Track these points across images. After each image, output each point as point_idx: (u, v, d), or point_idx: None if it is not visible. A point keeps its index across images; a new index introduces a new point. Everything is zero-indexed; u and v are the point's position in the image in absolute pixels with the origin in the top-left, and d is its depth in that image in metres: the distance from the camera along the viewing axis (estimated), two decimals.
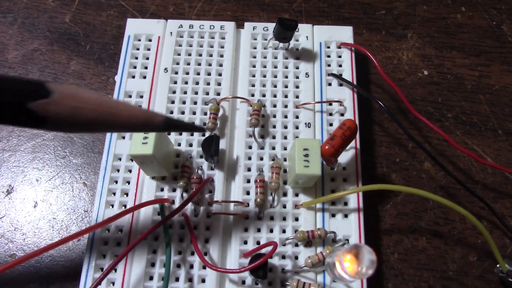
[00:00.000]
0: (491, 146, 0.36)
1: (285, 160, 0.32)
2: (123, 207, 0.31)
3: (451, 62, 0.40)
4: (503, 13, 0.42)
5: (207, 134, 0.32)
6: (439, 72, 0.39)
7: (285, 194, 0.31)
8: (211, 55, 0.36)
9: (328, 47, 0.36)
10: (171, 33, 0.36)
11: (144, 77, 0.35)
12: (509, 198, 0.35)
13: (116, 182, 0.32)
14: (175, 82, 0.35)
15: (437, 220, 0.34)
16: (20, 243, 0.33)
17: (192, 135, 0.33)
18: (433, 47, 0.40)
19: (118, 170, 0.32)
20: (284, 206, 0.31)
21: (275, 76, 0.35)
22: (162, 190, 0.31)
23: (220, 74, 0.35)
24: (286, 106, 0.34)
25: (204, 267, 0.29)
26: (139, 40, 0.36)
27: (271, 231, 0.30)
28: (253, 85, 0.35)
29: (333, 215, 0.31)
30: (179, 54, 0.36)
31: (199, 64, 0.35)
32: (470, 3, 0.43)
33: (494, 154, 0.36)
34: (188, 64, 0.35)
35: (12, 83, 0.20)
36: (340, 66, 0.36)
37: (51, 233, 0.33)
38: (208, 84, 0.35)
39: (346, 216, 0.31)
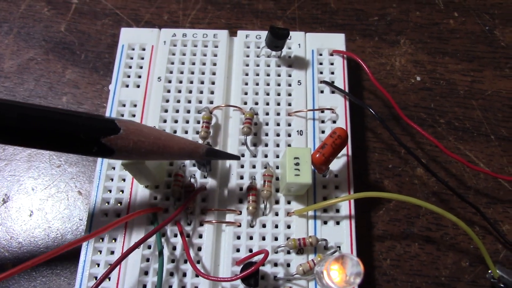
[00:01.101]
0: (484, 151, 0.37)
1: (277, 168, 0.32)
2: (117, 216, 0.31)
3: (443, 67, 0.40)
4: (496, 18, 0.42)
5: (200, 141, 0.32)
6: (432, 77, 0.39)
7: (277, 202, 0.31)
8: (204, 64, 0.36)
9: (321, 55, 0.37)
10: (164, 42, 0.37)
11: (138, 86, 0.35)
12: (501, 204, 0.35)
13: (110, 191, 0.32)
14: (169, 91, 0.35)
15: (430, 226, 0.34)
16: (16, 252, 0.33)
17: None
18: (426, 53, 0.41)
19: (112, 179, 0.32)
20: (276, 214, 0.31)
21: (268, 84, 0.35)
22: (155, 198, 0.32)
23: (213, 83, 0.35)
24: (278, 114, 0.34)
25: (197, 275, 0.29)
26: (133, 49, 0.37)
27: (264, 238, 0.30)
28: (246, 93, 0.35)
29: (325, 222, 0.31)
30: (172, 63, 0.36)
31: (192, 73, 0.36)
32: (463, 8, 0.43)
33: (487, 159, 0.36)
34: (182, 72, 0.36)
35: (88, 120, 0.24)
36: (332, 73, 0.36)
37: (46, 242, 0.33)
38: (201, 92, 0.35)
39: (338, 223, 0.31)
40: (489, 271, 0.31)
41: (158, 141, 0.25)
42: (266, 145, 0.33)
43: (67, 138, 0.24)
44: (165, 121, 0.34)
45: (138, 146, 0.25)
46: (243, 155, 0.33)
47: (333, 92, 0.35)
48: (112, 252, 0.30)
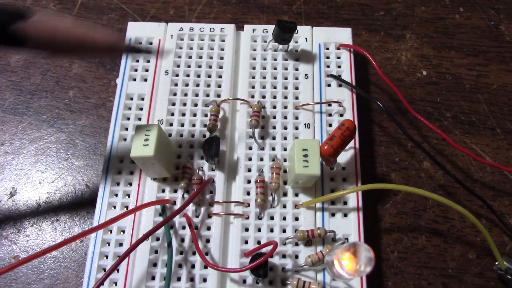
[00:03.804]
0: (490, 145, 0.37)
1: (285, 160, 0.33)
2: (125, 208, 0.31)
3: (449, 62, 0.40)
4: (501, 13, 0.43)
5: (208, 135, 0.33)
6: (438, 72, 0.40)
7: (285, 194, 0.32)
8: (211, 58, 0.36)
9: (327, 49, 0.37)
10: (171, 36, 0.37)
11: (145, 80, 0.35)
12: (508, 196, 0.35)
13: (118, 183, 0.32)
14: (176, 85, 0.35)
15: (436, 219, 0.34)
16: (23, 245, 0.33)
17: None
18: (432, 47, 0.41)
19: (120, 172, 0.32)
20: (284, 206, 0.31)
21: (275, 78, 0.35)
22: (163, 191, 0.32)
23: (220, 76, 0.35)
24: (285, 107, 0.34)
25: (205, 267, 0.29)
26: (140, 43, 0.37)
27: (272, 230, 0.30)
28: (253, 87, 0.35)
29: (333, 215, 0.31)
30: (179, 57, 0.36)
31: (200, 67, 0.36)
32: (468, 3, 0.43)
33: (493, 153, 0.36)
34: (189, 66, 0.36)
35: None
36: (339, 67, 0.36)
37: (54, 235, 0.33)
38: (209, 86, 0.35)
39: (345, 215, 0.31)
40: (496, 263, 0.32)
41: (74, 29, 0.23)
42: (274, 138, 0.33)
43: None
44: (172, 114, 0.34)
45: (52, 34, 0.22)
46: (250, 148, 0.33)
47: (340, 85, 0.35)
48: (121, 244, 0.30)
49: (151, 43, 0.37)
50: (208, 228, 0.30)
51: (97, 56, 0.30)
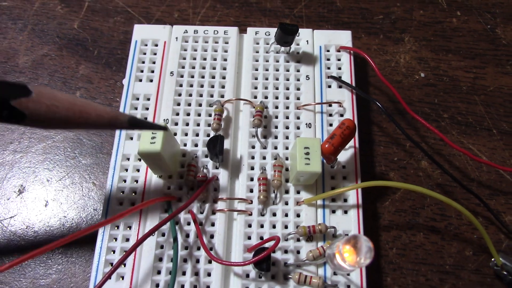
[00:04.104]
0: (486, 145, 0.38)
1: (287, 159, 0.33)
2: (132, 205, 0.32)
3: (447, 64, 0.41)
4: (497, 16, 0.44)
5: (212, 134, 0.33)
6: (436, 74, 0.41)
7: (287, 192, 0.32)
8: (215, 59, 0.37)
9: (328, 51, 0.38)
10: (176, 38, 0.38)
11: (151, 81, 0.36)
12: (504, 195, 0.36)
13: (125, 181, 0.33)
14: (181, 85, 0.36)
15: (434, 217, 0.35)
16: (32, 241, 0.34)
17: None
18: (430, 50, 0.42)
19: (127, 170, 0.33)
20: (286, 203, 0.32)
21: (277, 79, 0.36)
22: (169, 188, 0.32)
23: (224, 77, 0.36)
24: (287, 108, 0.35)
25: (210, 261, 0.30)
26: (146, 45, 0.38)
27: (274, 226, 0.31)
28: (256, 88, 0.36)
29: (333, 211, 0.32)
30: (184, 58, 0.37)
31: (204, 68, 0.37)
32: (465, 7, 0.44)
33: (489, 153, 0.37)
34: (193, 67, 0.37)
35: None
36: (340, 68, 0.37)
37: (61, 231, 0.34)
38: (213, 86, 0.36)
39: (346, 212, 0.32)
40: (493, 259, 0.32)
41: (73, 107, 0.23)
42: (276, 137, 0.34)
43: None
44: (177, 114, 0.35)
45: (52, 111, 0.23)
46: (253, 147, 0.34)
47: (340, 86, 0.36)
48: (127, 239, 0.31)
49: (156, 45, 0.38)
50: (212, 224, 0.31)
51: (97, 130, 0.30)
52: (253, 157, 0.34)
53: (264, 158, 0.33)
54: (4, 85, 0.23)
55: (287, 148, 0.34)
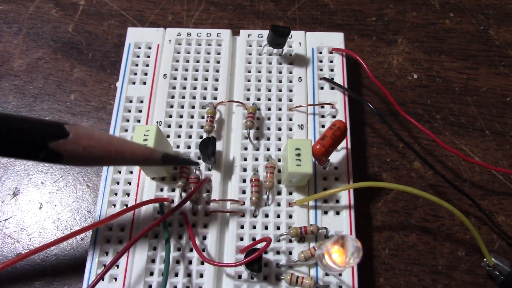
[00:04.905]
0: (479, 145, 0.38)
1: (279, 160, 0.34)
2: (125, 207, 0.32)
3: (439, 65, 0.41)
4: (490, 18, 0.44)
5: (205, 136, 0.34)
6: (428, 75, 0.41)
7: (279, 193, 0.33)
8: (208, 62, 0.37)
9: (320, 53, 0.38)
10: (169, 41, 0.38)
11: (144, 83, 0.37)
12: (496, 195, 0.36)
13: (118, 183, 0.33)
14: (174, 88, 0.36)
15: (427, 217, 0.35)
16: (26, 243, 0.34)
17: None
18: (422, 51, 0.42)
19: (120, 172, 0.33)
20: (278, 204, 0.32)
21: (270, 81, 0.36)
22: (161, 190, 0.33)
23: (217, 80, 0.37)
24: (280, 109, 0.35)
25: (202, 263, 0.30)
26: (139, 48, 0.38)
27: (266, 228, 0.32)
28: (249, 90, 0.36)
29: (325, 212, 0.32)
30: (177, 61, 0.37)
31: (197, 70, 0.37)
32: (458, 9, 0.44)
33: (482, 153, 0.38)
34: (186, 70, 0.37)
35: (35, 124, 0.22)
36: (332, 70, 0.37)
37: (56, 233, 0.34)
38: (206, 89, 0.36)
39: (338, 213, 0.32)
40: (485, 260, 0.33)
41: (109, 146, 0.24)
42: (268, 139, 0.34)
43: (12, 143, 0.22)
44: (170, 116, 0.35)
45: (88, 151, 0.23)
46: (246, 148, 0.34)
47: (332, 88, 0.36)
48: (121, 241, 0.31)
49: (150, 48, 0.38)
50: (205, 226, 0.32)
51: (133, 165, 0.31)
52: (245, 159, 0.34)
53: (256, 159, 0.34)
54: (42, 126, 0.23)
55: (279, 150, 0.34)
